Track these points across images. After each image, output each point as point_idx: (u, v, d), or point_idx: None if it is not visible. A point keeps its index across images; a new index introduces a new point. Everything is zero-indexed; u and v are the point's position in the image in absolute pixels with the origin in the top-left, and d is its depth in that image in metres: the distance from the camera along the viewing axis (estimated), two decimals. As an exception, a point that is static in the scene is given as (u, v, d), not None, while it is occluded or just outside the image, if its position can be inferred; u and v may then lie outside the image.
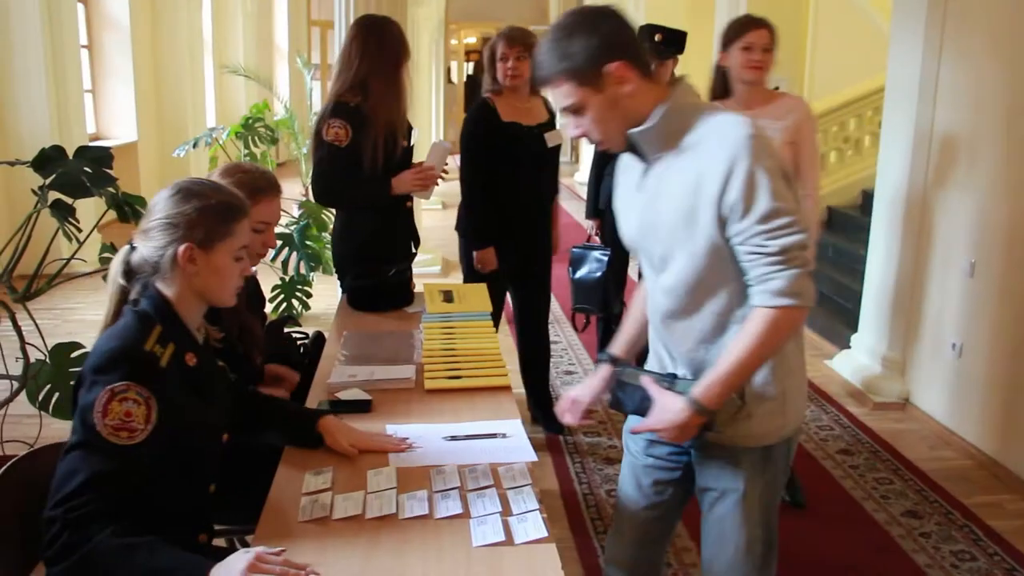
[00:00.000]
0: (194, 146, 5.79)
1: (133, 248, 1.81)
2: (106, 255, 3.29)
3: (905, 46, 4.55)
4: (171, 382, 1.71)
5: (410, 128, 3.51)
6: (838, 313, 5.94)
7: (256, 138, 5.57)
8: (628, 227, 1.95)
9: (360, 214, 3.46)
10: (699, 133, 1.75)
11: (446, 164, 3.51)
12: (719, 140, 1.71)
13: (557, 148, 3.98)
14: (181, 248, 1.74)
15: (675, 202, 1.77)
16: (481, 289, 3.26)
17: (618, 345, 2.14)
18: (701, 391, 1.76)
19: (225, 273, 1.81)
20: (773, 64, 3.22)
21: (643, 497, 2.13)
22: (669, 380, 1.84)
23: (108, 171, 3.17)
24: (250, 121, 5.62)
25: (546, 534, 1.70)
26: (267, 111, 5.99)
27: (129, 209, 3.29)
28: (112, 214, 3.31)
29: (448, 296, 3.14)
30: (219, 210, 1.79)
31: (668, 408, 1.80)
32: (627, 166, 1.96)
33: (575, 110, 1.79)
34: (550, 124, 3.96)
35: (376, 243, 3.43)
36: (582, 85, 1.75)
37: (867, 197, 7.10)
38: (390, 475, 1.92)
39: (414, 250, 3.67)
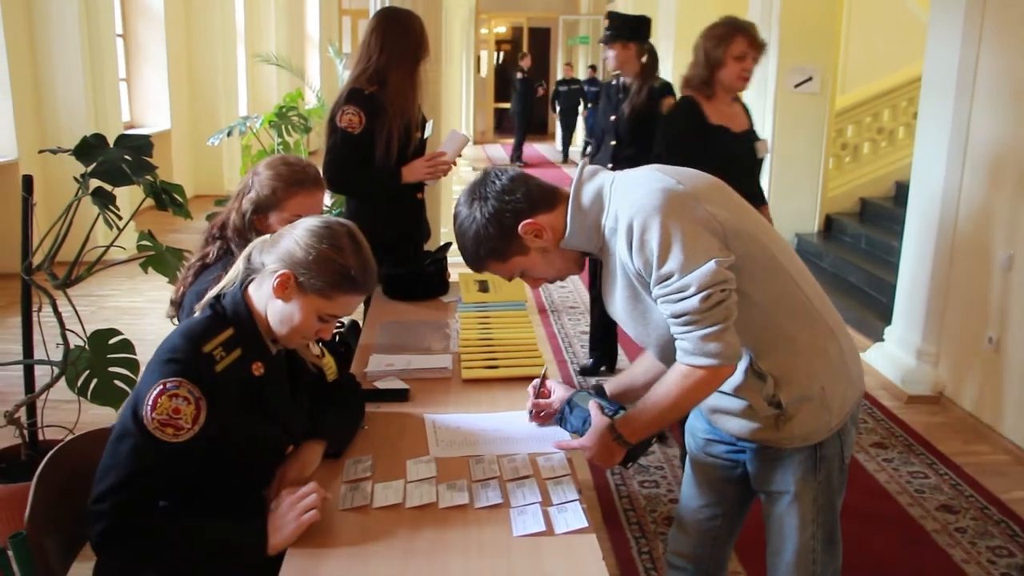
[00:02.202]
0: (228, 135, 5.81)
1: (265, 240, 1.82)
2: (144, 243, 3.30)
3: (943, 34, 4.48)
4: (224, 389, 1.68)
5: (424, 120, 3.51)
6: (871, 305, 5.89)
7: (289, 127, 5.57)
8: None
9: (369, 205, 3.47)
10: (612, 212, 1.73)
11: (460, 155, 3.52)
12: (623, 210, 1.69)
13: (763, 160, 3.70)
14: (283, 271, 1.73)
15: (621, 297, 1.78)
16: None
17: (613, 384, 2.12)
18: (622, 422, 1.82)
19: (299, 323, 1.76)
20: None
21: (703, 495, 2.13)
22: (614, 409, 1.90)
23: (148, 159, 3.18)
24: (284, 110, 5.62)
25: (587, 524, 1.69)
26: (300, 100, 5.99)
27: (167, 197, 3.31)
28: (147, 203, 3.33)
29: (483, 286, 3.14)
30: (335, 271, 1.74)
31: (597, 430, 1.86)
32: None
33: (521, 275, 1.86)
34: (754, 133, 3.69)
35: (383, 236, 3.42)
36: (509, 258, 1.81)
37: (901, 188, 7.05)
38: (430, 464, 1.92)
39: (424, 245, 3.67)
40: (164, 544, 1.58)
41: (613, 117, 4.50)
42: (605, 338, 4.89)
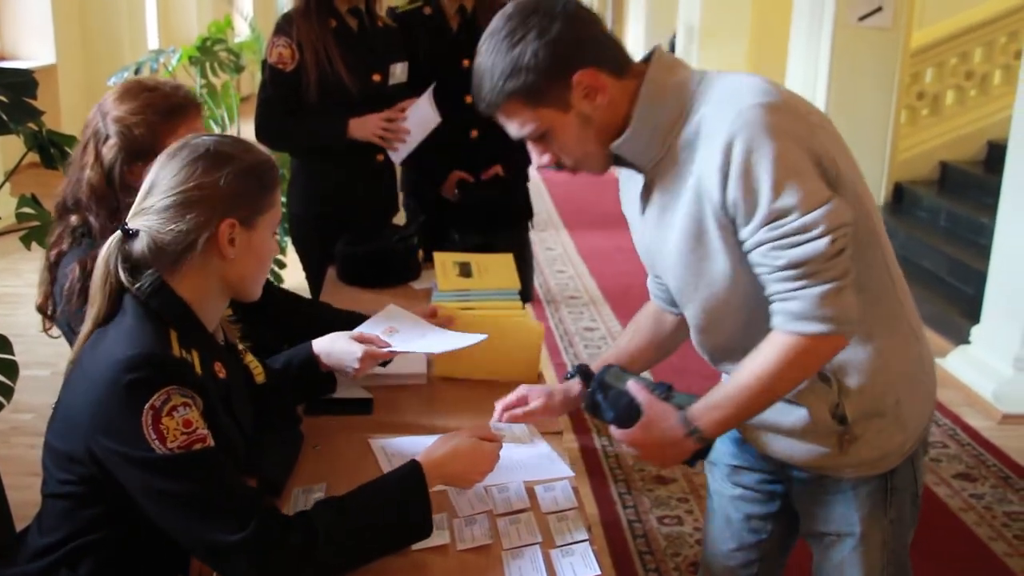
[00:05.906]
0: (136, 73, 5.76)
1: (130, 234, 1.72)
2: (26, 210, 3.28)
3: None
4: (210, 395, 1.67)
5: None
6: (953, 299, 5.91)
7: (216, 65, 5.54)
8: (639, 247, 1.96)
9: (316, 163, 3.49)
10: (696, 119, 1.69)
11: (426, 134, 3.45)
12: (717, 121, 1.65)
13: None
14: (222, 227, 1.70)
15: (680, 229, 1.74)
16: (507, 260, 3.24)
17: (605, 359, 2.09)
18: (699, 412, 1.75)
19: (265, 255, 1.80)
20: None
21: (733, 537, 2.14)
22: (663, 390, 1.83)
23: (31, 102, 3.16)
24: (208, 43, 5.59)
25: (598, 572, 1.71)
26: (228, 30, 5.96)
27: (56, 152, 3.29)
28: (29, 158, 3.30)
29: (465, 269, 3.12)
30: (258, 174, 1.75)
31: (658, 422, 1.78)
32: (628, 176, 1.92)
33: (538, 139, 1.77)
34: None
35: (335, 203, 3.46)
36: (542, 106, 1.72)
37: (995, 150, 7.05)
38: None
39: (391, 218, 3.67)
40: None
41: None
42: None
